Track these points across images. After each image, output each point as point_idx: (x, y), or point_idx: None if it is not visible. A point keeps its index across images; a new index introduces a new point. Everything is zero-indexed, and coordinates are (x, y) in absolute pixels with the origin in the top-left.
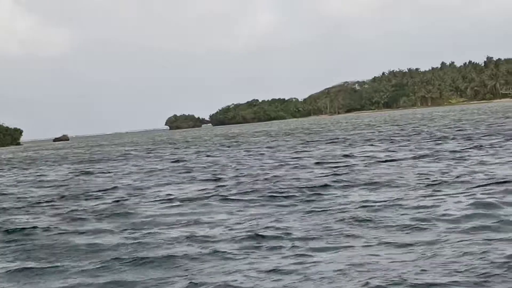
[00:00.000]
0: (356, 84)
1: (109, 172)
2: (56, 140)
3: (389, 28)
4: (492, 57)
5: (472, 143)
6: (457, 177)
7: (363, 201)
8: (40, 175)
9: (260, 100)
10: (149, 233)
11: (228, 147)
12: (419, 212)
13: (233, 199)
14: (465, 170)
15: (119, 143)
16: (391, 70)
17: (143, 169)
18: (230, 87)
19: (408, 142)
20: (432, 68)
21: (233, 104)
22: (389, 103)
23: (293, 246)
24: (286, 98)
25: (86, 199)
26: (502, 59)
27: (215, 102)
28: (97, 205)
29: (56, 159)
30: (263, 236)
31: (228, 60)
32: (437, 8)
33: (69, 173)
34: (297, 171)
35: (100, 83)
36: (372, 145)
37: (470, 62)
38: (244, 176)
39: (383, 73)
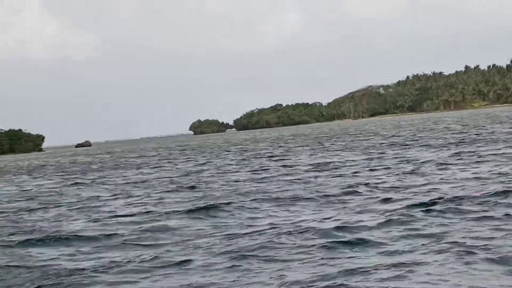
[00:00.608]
0: (381, 88)
1: (91, 183)
2: (78, 146)
3: (415, 31)
4: None
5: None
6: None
7: (252, 218)
8: (27, 185)
9: (284, 105)
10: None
11: (228, 153)
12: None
13: (154, 212)
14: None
15: (132, 150)
16: (415, 74)
17: (127, 181)
18: (255, 90)
19: (382, 153)
20: (456, 72)
21: (257, 108)
22: (413, 107)
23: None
24: (310, 103)
25: (31, 213)
26: None
27: (240, 106)
28: (35, 219)
29: (59, 167)
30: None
31: (250, 61)
32: (462, 10)
33: (55, 183)
34: (255, 184)
35: (124, 87)
36: (355, 154)
37: (493, 65)
38: (197, 189)
39: (408, 77)
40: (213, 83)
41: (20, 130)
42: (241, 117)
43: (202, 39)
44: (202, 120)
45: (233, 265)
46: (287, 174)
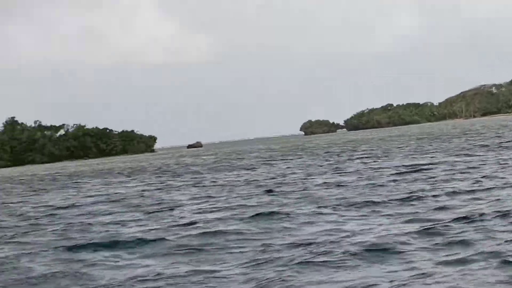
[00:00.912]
0: (493, 87)
1: (180, 186)
2: (189, 147)
3: None
4: None
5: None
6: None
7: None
8: (120, 186)
9: (394, 105)
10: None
11: (327, 154)
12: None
13: (217, 218)
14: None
15: (237, 151)
16: None
17: (215, 183)
18: (366, 89)
19: (470, 155)
20: None
21: (367, 108)
22: None
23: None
24: (421, 102)
25: (105, 216)
26: None
27: (351, 105)
28: (105, 223)
29: (161, 169)
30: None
31: (362, 62)
32: None
33: (147, 185)
34: (331, 189)
35: (233, 89)
36: (446, 156)
37: None
38: (273, 193)
39: None
40: (324, 83)
41: (132, 131)
42: (352, 117)
43: (311, 40)
44: (313, 120)
45: (251, 275)
46: (368, 178)
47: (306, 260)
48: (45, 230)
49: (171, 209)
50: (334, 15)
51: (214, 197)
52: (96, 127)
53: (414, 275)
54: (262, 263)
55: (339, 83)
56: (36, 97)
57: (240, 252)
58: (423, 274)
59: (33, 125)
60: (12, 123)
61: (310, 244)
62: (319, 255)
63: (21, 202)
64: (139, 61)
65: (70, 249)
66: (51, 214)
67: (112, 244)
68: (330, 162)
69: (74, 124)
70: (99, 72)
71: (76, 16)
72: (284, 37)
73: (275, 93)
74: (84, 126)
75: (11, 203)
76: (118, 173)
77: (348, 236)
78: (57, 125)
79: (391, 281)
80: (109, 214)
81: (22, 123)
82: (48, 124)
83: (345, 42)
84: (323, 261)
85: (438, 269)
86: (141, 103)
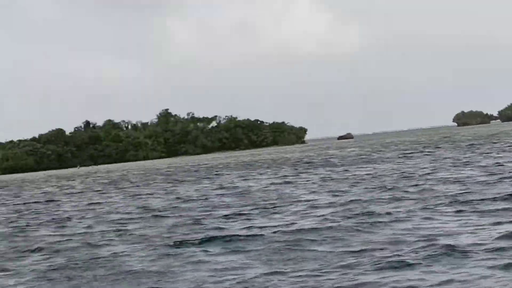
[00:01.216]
0: None
1: (310, 179)
2: (340, 138)
3: None
4: None
5: None
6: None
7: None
8: (254, 179)
9: None
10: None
11: (469, 146)
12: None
13: (324, 215)
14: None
15: (384, 143)
16: None
17: (345, 176)
18: None
19: None
20: None
21: None
22: None
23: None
24: None
25: (221, 210)
26: None
27: (505, 97)
28: (217, 217)
29: (303, 161)
30: None
31: None
32: None
33: (279, 178)
34: (451, 184)
35: (386, 80)
36: None
37: None
38: (391, 190)
39: None
40: (478, 72)
41: (283, 122)
42: (506, 108)
43: (464, 28)
44: (466, 111)
45: (318, 277)
46: (491, 174)
47: (376, 262)
48: (160, 223)
49: (287, 204)
50: (485, 4)
51: (333, 191)
52: (247, 118)
53: (468, 279)
54: (334, 264)
55: (493, 72)
56: (190, 89)
57: (317, 251)
58: (479, 279)
59: (186, 117)
60: (165, 115)
61: (388, 244)
62: (389, 256)
63: (155, 193)
64: (291, 53)
65: (168, 245)
66: (174, 207)
67: (209, 241)
68: (466, 156)
69: (225, 116)
70: (251, 64)
71: (230, 10)
72: (436, 26)
73: (428, 83)
74: (236, 117)
75: (146, 194)
76: (259, 165)
77: (429, 236)
78: (209, 116)
79: (439, 284)
80: (228, 208)
81: (175, 115)
82: (201, 116)
83: (499, 30)
84: (389, 262)
85: (495, 273)
86: (293, 94)
